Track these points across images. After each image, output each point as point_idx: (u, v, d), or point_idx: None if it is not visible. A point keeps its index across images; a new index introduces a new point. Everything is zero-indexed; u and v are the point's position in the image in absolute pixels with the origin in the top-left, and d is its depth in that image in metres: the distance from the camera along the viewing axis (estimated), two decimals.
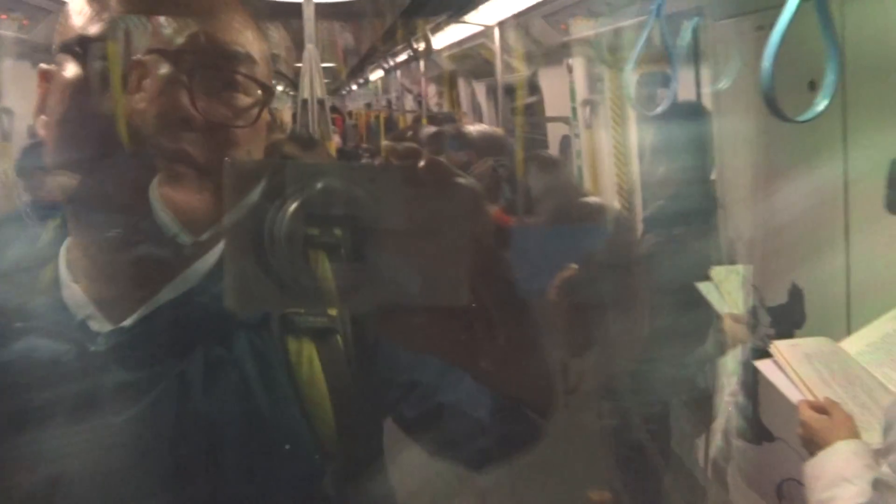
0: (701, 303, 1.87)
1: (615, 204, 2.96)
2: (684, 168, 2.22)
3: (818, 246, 1.66)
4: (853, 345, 1.38)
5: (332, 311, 0.69)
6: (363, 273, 0.46)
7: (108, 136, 0.61)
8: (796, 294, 1.73)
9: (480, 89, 5.34)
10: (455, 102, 5.68)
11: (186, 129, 0.63)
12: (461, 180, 0.47)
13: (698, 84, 2.41)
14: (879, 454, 1.13)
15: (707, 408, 2.02)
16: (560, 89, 3.51)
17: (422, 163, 0.47)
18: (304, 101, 2.30)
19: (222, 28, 0.67)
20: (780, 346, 1.36)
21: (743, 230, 2.00)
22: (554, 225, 2.75)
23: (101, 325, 0.66)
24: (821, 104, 1.21)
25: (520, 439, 0.67)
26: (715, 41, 2.11)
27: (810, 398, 1.26)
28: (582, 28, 3.07)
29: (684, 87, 2.21)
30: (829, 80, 1.22)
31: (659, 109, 1.99)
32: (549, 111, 3.93)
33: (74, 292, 0.68)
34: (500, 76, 3.65)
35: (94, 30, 0.65)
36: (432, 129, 3.73)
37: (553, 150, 3.91)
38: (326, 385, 0.67)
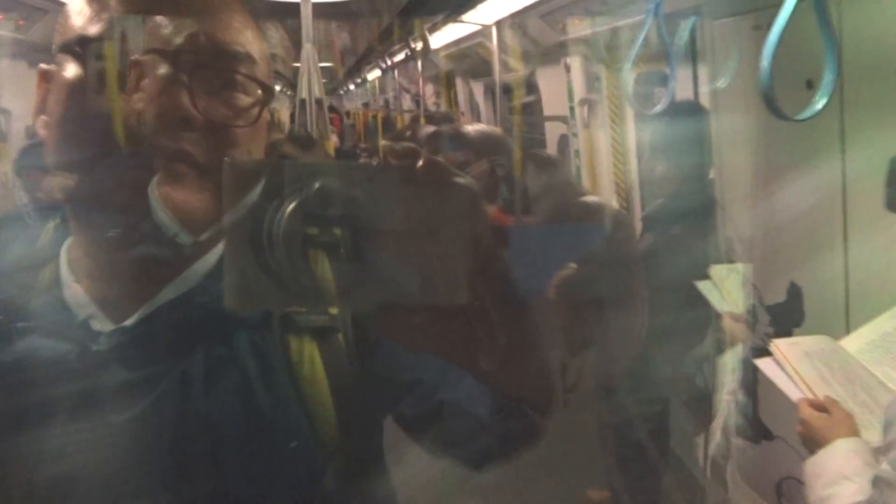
0: (700, 302, 1.88)
1: (613, 203, 2.96)
2: (683, 167, 2.22)
3: (817, 244, 1.66)
4: (853, 343, 1.39)
5: (333, 310, 0.69)
6: (362, 272, 0.46)
7: (109, 136, 0.62)
8: (795, 293, 1.73)
9: (478, 89, 5.34)
10: (453, 102, 5.68)
11: (187, 129, 0.63)
12: (459, 180, 0.47)
13: (696, 83, 2.41)
14: (879, 452, 1.13)
15: (706, 406, 2.02)
16: (558, 89, 3.51)
17: (420, 162, 0.47)
18: (303, 101, 2.30)
19: (222, 28, 0.67)
20: (779, 345, 1.36)
21: (741, 229, 2.00)
22: (552, 224, 2.75)
23: (102, 325, 0.66)
24: (819, 103, 1.21)
25: (520, 438, 0.68)
26: (713, 40, 2.11)
27: (810, 396, 1.27)
28: (579, 27, 3.07)
29: (682, 86, 2.22)
30: (827, 78, 1.22)
31: (657, 109, 1.99)
32: (547, 110, 3.93)
33: (76, 292, 0.68)
34: (498, 75, 3.65)
35: (94, 30, 0.65)
36: (430, 128, 3.73)
37: (551, 149, 3.91)
38: (328, 383, 0.67)
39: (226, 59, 0.66)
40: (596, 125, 3.18)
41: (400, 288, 0.46)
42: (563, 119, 3.57)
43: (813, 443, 1.20)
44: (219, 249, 0.69)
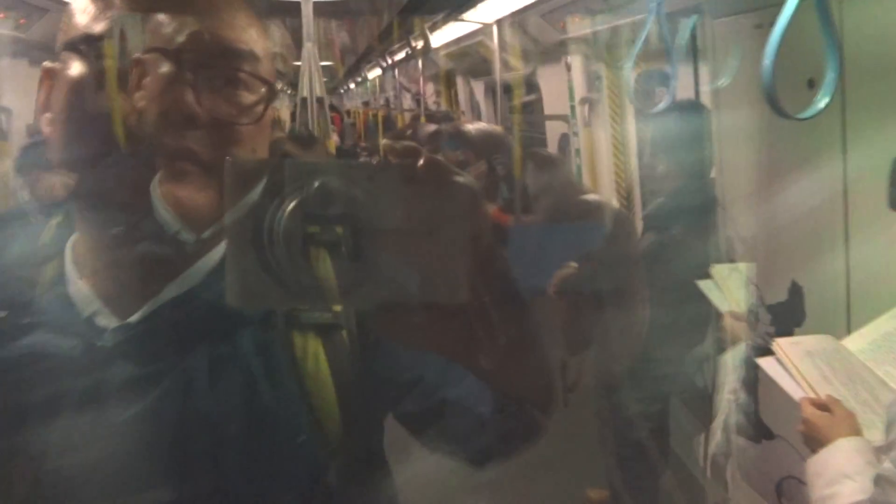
0: (700, 301, 1.88)
1: (614, 202, 2.96)
2: (684, 166, 2.22)
3: (818, 244, 1.66)
4: (854, 342, 1.39)
5: (337, 307, 0.69)
6: (362, 271, 0.46)
7: (113, 133, 0.62)
8: (796, 292, 1.73)
9: (479, 88, 5.34)
10: (453, 101, 5.68)
11: (191, 127, 0.63)
12: (459, 179, 0.48)
13: (697, 82, 2.41)
14: (881, 451, 1.13)
15: (706, 406, 2.02)
16: (559, 87, 3.51)
17: (420, 161, 0.47)
18: (304, 100, 2.30)
19: (226, 25, 0.67)
20: (782, 344, 1.37)
21: (742, 228, 2.00)
22: (552, 223, 2.76)
23: (107, 321, 0.67)
24: (821, 101, 1.21)
25: (521, 436, 0.68)
26: (714, 39, 2.11)
27: (812, 395, 1.27)
28: (580, 26, 3.07)
29: (683, 84, 2.22)
30: (829, 77, 1.21)
31: (659, 107, 1.99)
32: (548, 109, 3.93)
33: (81, 288, 0.68)
34: (499, 74, 3.65)
35: (98, 28, 0.65)
36: (431, 127, 3.73)
37: (552, 148, 3.91)
38: (332, 381, 0.67)
39: (230, 56, 0.66)
40: (597, 124, 3.18)
41: (400, 287, 0.46)
42: (563, 118, 3.57)
43: (815, 442, 1.20)
44: (223, 247, 0.69)
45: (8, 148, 2.72)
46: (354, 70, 8.08)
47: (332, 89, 9.70)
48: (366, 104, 8.79)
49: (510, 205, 2.95)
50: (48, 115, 0.69)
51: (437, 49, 4.63)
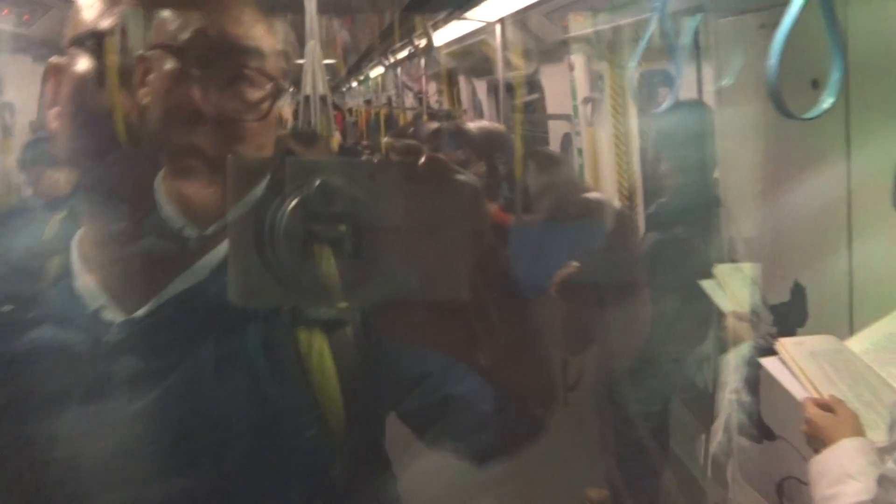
0: (702, 301, 1.88)
1: (616, 202, 2.96)
2: (686, 166, 2.22)
3: (821, 244, 1.66)
4: (858, 343, 1.39)
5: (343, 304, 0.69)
6: (362, 269, 0.46)
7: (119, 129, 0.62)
8: (799, 292, 1.73)
9: (481, 87, 5.34)
10: (455, 100, 5.68)
11: (197, 123, 0.63)
12: (461, 177, 0.48)
13: (700, 82, 2.41)
14: (884, 452, 1.13)
15: (707, 406, 2.02)
16: (562, 87, 3.51)
17: (422, 159, 0.47)
18: (307, 98, 2.30)
19: (232, 22, 0.67)
20: (785, 344, 1.37)
21: (745, 228, 2.00)
22: (554, 222, 2.76)
23: (114, 316, 0.67)
24: (826, 101, 1.21)
25: (523, 434, 0.68)
26: (717, 39, 2.10)
27: (815, 396, 1.27)
28: (583, 25, 3.07)
29: (686, 84, 2.22)
30: (834, 77, 1.22)
31: (663, 107, 1.99)
32: (551, 109, 3.93)
33: (88, 283, 0.69)
34: (502, 73, 3.65)
35: (105, 24, 0.65)
36: (433, 125, 3.73)
37: (554, 148, 3.91)
38: (337, 376, 0.68)
39: (236, 53, 0.66)
40: (599, 124, 3.18)
41: (400, 285, 0.47)
42: (566, 117, 3.57)
43: (818, 442, 1.20)
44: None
45: (11, 144, 2.73)
46: (356, 69, 8.08)
47: (334, 88, 9.70)
48: (368, 102, 8.79)
49: (511, 204, 2.95)
50: (55, 110, 0.69)
51: (440, 47, 4.63)
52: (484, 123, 3.41)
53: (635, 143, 2.95)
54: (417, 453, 0.75)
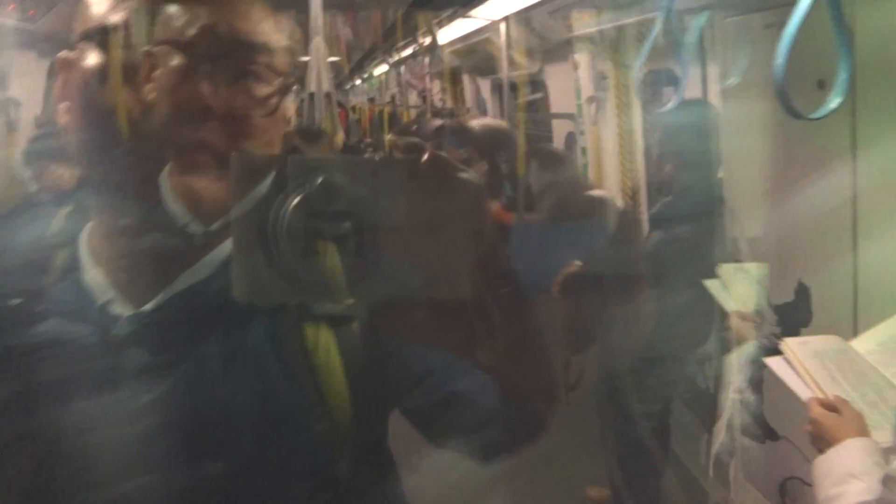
0: (705, 301, 1.87)
1: (620, 201, 2.96)
2: (691, 165, 2.22)
3: (826, 244, 1.66)
4: (862, 344, 1.39)
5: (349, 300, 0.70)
6: (365, 266, 0.46)
7: (128, 124, 0.62)
8: (803, 292, 1.72)
9: (485, 85, 5.34)
10: (459, 98, 5.68)
11: (206, 119, 0.63)
12: (463, 175, 0.48)
13: (705, 81, 2.41)
14: (889, 452, 1.14)
15: (709, 406, 2.02)
16: (566, 86, 3.51)
17: (424, 157, 0.47)
18: (311, 95, 2.30)
19: (241, 18, 0.67)
20: (790, 344, 1.36)
21: (749, 228, 2.00)
22: (556, 221, 2.76)
23: (122, 310, 0.67)
24: (833, 101, 1.21)
25: (526, 431, 0.68)
26: (723, 39, 2.10)
27: (820, 395, 1.27)
28: (587, 24, 3.07)
29: (690, 83, 2.21)
30: (841, 77, 1.21)
31: (668, 106, 1.99)
32: (556, 108, 3.93)
33: (96, 277, 0.69)
34: (506, 72, 3.64)
35: (114, 18, 0.65)
36: (437, 121, 3.73)
37: (558, 147, 3.91)
38: (343, 372, 0.68)
39: (245, 49, 0.66)
40: (604, 123, 3.17)
41: (402, 282, 0.47)
42: (570, 117, 3.57)
43: (822, 442, 1.20)
44: None
45: (16, 139, 2.73)
46: (360, 66, 8.08)
47: (338, 86, 9.70)
48: (371, 100, 8.79)
49: (513, 203, 2.95)
50: (64, 104, 0.69)
51: (444, 46, 4.63)
52: (487, 121, 3.40)
53: (639, 143, 2.95)
54: (420, 450, 0.76)
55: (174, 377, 0.65)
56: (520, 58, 3.62)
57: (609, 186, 3.09)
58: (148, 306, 0.67)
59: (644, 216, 2.83)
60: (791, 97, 1.19)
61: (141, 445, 0.63)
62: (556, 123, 4.00)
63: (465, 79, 5.68)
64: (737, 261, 1.93)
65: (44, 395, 0.64)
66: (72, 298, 0.68)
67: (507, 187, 3.02)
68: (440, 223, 0.47)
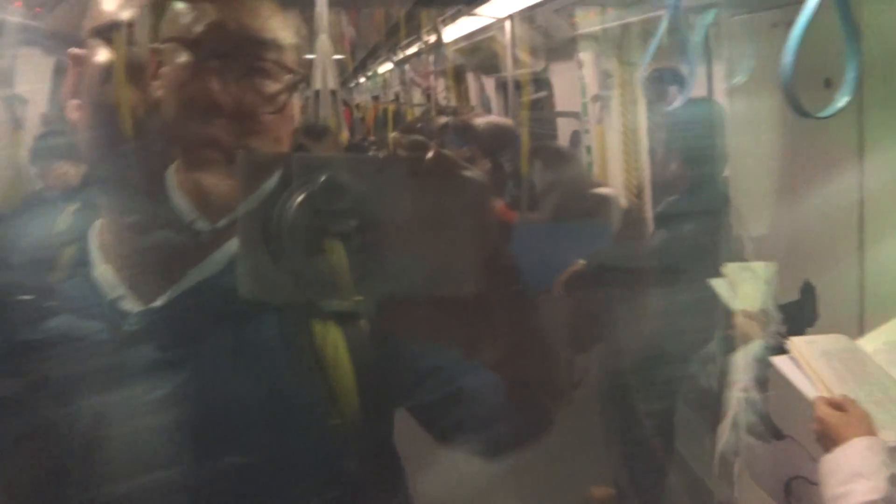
0: (710, 300, 1.87)
1: (625, 200, 2.95)
2: (696, 164, 2.21)
3: (833, 244, 1.66)
4: (869, 343, 1.38)
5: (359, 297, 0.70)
6: (368, 264, 0.47)
7: (138, 121, 0.62)
8: (809, 291, 1.72)
9: (490, 83, 5.34)
10: (464, 96, 5.67)
11: (215, 116, 0.64)
12: (467, 173, 0.48)
13: (710, 80, 2.41)
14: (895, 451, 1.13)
15: (713, 405, 2.01)
16: (571, 84, 3.51)
17: (428, 155, 0.47)
18: (316, 92, 2.30)
19: (251, 15, 0.67)
20: (796, 343, 1.36)
21: (755, 227, 2.00)
22: (560, 219, 2.76)
23: (131, 306, 0.68)
24: (841, 100, 1.21)
25: (532, 428, 0.69)
26: (729, 37, 2.10)
27: (827, 394, 1.26)
28: (593, 22, 3.07)
29: (696, 82, 2.21)
30: (849, 76, 1.21)
31: (675, 105, 1.99)
32: (561, 106, 3.92)
33: (105, 273, 0.69)
34: (511, 70, 3.64)
35: (125, 15, 0.65)
36: (443, 119, 3.73)
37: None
38: (352, 368, 0.68)
39: (255, 46, 0.67)
40: (609, 121, 3.17)
41: (406, 280, 0.47)
42: (574, 115, 3.56)
43: (829, 441, 1.20)
44: None
45: (23, 137, 2.73)
46: (365, 64, 8.07)
47: (342, 83, 9.68)
48: (375, 99, 8.78)
49: (517, 202, 2.95)
50: (75, 101, 0.69)
51: (449, 44, 4.63)
52: (492, 119, 3.41)
53: (644, 141, 2.95)
54: (425, 448, 0.76)
55: (184, 373, 0.65)
56: (524, 56, 3.61)
57: (614, 185, 3.08)
58: (157, 302, 0.67)
59: (649, 215, 2.83)
60: (797, 96, 1.19)
61: (150, 441, 0.63)
62: (560, 122, 4.00)
63: (470, 77, 5.67)
64: (742, 260, 1.93)
65: (54, 391, 0.64)
66: (82, 295, 0.68)
67: (510, 185, 3.02)
68: (444, 221, 0.47)
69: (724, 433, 1.78)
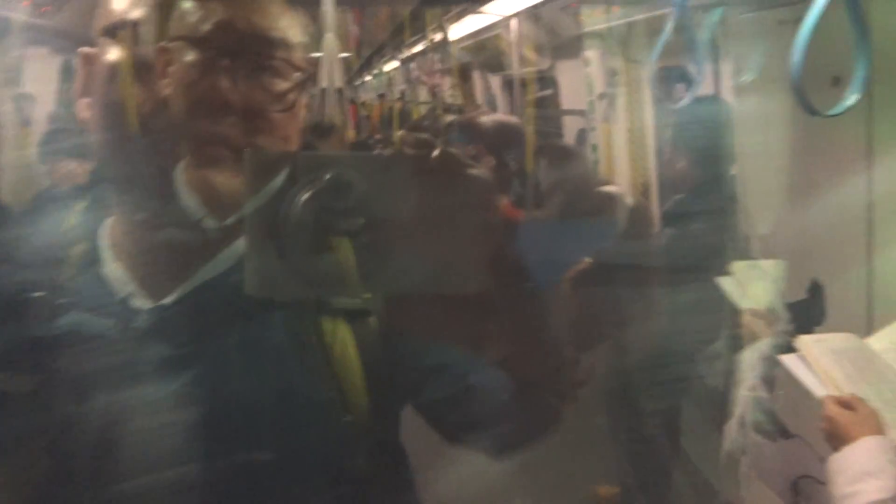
0: (717, 298, 1.87)
1: (631, 198, 2.95)
2: (703, 162, 2.21)
3: (841, 242, 1.65)
4: (877, 342, 1.38)
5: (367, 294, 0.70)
6: (375, 261, 0.47)
7: (148, 118, 0.62)
8: (817, 290, 1.72)
9: (496, 82, 5.33)
10: (470, 94, 5.66)
11: (225, 113, 0.64)
12: (472, 171, 0.49)
13: (717, 78, 2.40)
14: None
15: (719, 404, 2.01)
16: (577, 82, 3.50)
17: (434, 153, 0.47)
18: (323, 90, 2.30)
19: (260, 13, 0.67)
20: (805, 341, 1.36)
21: (763, 225, 1.99)
22: (567, 217, 2.75)
23: (142, 303, 0.68)
24: (850, 98, 1.20)
25: (538, 425, 0.69)
26: (737, 35, 2.09)
27: (836, 393, 1.26)
28: (598, 20, 3.06)
29: (704, 81, 2.20)
30: (858, 74, 1.20)
31: (682, 103, 1.98)
32: (567, 104, 3.92)
33: (116, 270, 0.70)
34: (517, 68, 3.64)
35: (135, 14, 0.65)
36: (449, 117, 3.72)
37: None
38: (360, 366, 0.68)
39: (264, 44, 0.67)
40: (615, 119, 3.16)
41: (411, 277, 0.47)
42: (581, 113, 3.55)
43: (837, 440, 1.20)
44: None
45: (30, 135, 2.74)
46: (370, 62, 8.07)
47: (348, 81, 9.69)
48: (381, 97, 8.78)
49: (522, 200, 2.94)
50: (85, 100, 0.69)
51: (454, 42, 4.62)
52: (497, 117, 3.40)
53: (651, 139, 2.94)
54: (431, 446, 0.76)
55: (193, 370, 0.66)
56: (530, 54, 3.61)
57: (620, 183, 3.07)
58: (168, 299, 0.68)
59: (656, 213, 2.82)
60: (806, 94, 1.18)
61: (160, 438, 0.64)
62: (566, 120, 3.99)
63: (476, 75, 5.67)
64: (750, 258, 1.92)
65: (64, 388, 0.64)
66: (92, 292, 0.68)
67: (516, 183, 3.01)
68: (450, 219, 0.48)
69: (732, 432, 1.78)
